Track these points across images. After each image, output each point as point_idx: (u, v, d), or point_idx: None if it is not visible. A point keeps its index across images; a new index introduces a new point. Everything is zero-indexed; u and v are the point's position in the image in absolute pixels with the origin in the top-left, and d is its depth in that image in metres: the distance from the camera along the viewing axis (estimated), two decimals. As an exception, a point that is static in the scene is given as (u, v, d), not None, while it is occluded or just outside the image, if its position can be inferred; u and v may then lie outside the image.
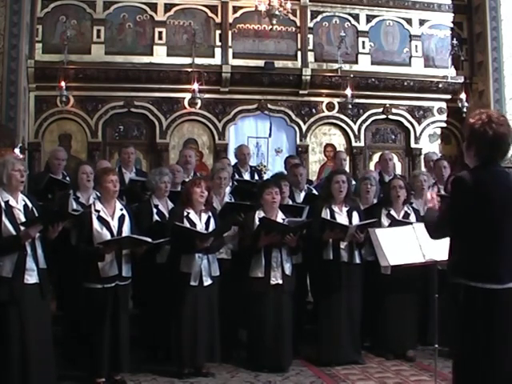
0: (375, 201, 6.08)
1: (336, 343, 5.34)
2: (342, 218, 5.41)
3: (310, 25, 9.25)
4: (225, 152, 8.94)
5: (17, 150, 7.18)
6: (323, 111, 9.34)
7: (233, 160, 7.57)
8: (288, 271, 5.24)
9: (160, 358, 5.37)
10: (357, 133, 9.41)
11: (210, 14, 9.03)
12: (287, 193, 5.83)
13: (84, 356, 4.81)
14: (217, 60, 8.95)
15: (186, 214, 5.06)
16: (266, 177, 7.64)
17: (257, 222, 5.24)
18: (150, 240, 4.66)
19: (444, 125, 9.67)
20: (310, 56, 9.20)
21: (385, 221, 5.58)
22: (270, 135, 9.12)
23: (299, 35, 9.16)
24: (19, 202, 4.32)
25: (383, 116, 9.51)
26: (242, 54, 9.04)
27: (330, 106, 9.34)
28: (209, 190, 5.16)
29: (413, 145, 9.55)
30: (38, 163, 8.38)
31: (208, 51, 8.97)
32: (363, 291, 5.45)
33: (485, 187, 2.85)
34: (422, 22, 9.58)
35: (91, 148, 8.76)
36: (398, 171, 8.77)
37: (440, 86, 9.42)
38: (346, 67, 9.12)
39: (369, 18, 9.45)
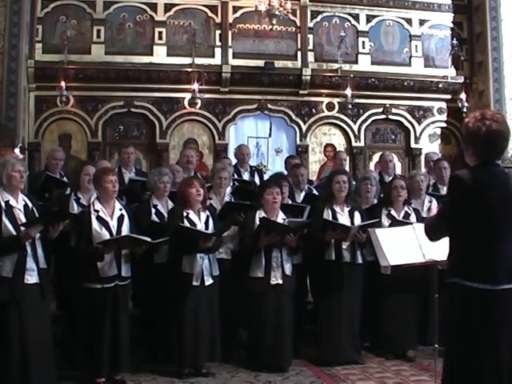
0: (375, 201, 6.08)
1: (336, 343, 5.34)
2: (343, 218, 5.41)
3: (310, 25, 9.25)
4: (225, 152, 8.93)
5: (17, 150, 7.18)
6: (323, 111, 9.34)
7: (233, 160, 7.57)
8: (288, 271, 5.24)
9: (160, 358, 5.36)
10: (357, 133, 9.41)
11: (210, 13, 9.04)
12: (287, 193, 5.83)
13: (84, 356, 4.81)
14: (217, 60, 8.95)
15: (185, 214, 5.06)
16: (266, 177, 7.63)
17: (257, 221, 5.24)
18: (149, 240, 4.66)
19: (444, 125, 9.67)
20: (310, 56, 9.20)
21: (385, 221, 5.57)
22: (269, 135, 9.12)
23: (299, 35, 9.16)
24: (19, 202, 4.32)
25: (383, 116, 9.51)
26: (242, 54, 9.04)
27: (330, 106, 9.34)
28: (203, 187, 5.16)
29: (413, 145, 9.55)
30: (38, 163, 8.37)
31: (208, 51, 8.97)
32: (363, 291, 5.45)
33: (482, 186, 2.83)
34: (421, 22, 9.59)
35: (91, 148, 8.76)
36: (398, 171, 8.76)
37: (440, 85, 9.42)
38: (346, 67, 9.12)
39: (369, 18, 9.45)
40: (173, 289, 5.01)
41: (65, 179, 6.30)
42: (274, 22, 7.94)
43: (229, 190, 6.05)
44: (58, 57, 8.43)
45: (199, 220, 5.09)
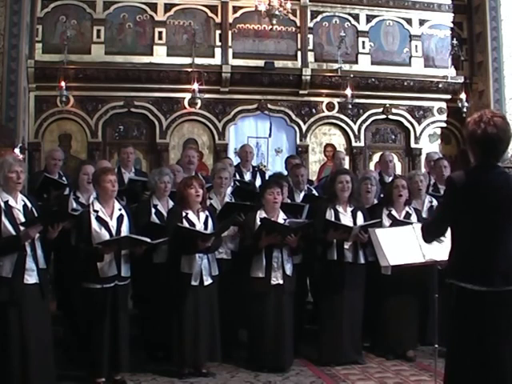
0: (375, 201, 6.08)
1: (336, 343, 5.34)
2: (346, 218, 5.40)
3: (310, 25, 9.25)
4: (225, 152, 8.94)
5: (17, 150, 7.19)
6: (323, 111, 9.34)
7: (234, 160, 7.57)
8: (289, 271, 5.24)
9: (160, 358, 5.36)
10: (357, 133, 9.41)
11: (210, 13, 9.04)
12: (286, 193, 5.82)
13: (84, 356, 4.81)
14: (217, 60, 8.95)
15: (184, 214, 5.06)
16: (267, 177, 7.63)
17: (258, 222, 5.23)
18: (149, 240, 4.66)
19: (444, 125, 9.67)
20: (310, 56, 9.20)
21: (386, 221, 5.56)
22: (269, 135, 9.13)
23: (299, 35, 9.16)
24: (19, 202, 4.31)
25: (383, 116, 9.51)
26: (242, 54, 9.04)
27: (330, 106, 9.34)
28: (203, 187, 5.16)
29: (413, 145, 9.56)
30: (38, 163, 8.38)
31: (208, 51, 8.97)
32: (365, 291, 5.45)
33: (478, 187, 2.82)
34: (422, 22, 9.59)
35: (91, 148, 8.77)
36: (398, 171, 8.77)
37: (440, 85, 9.43)
38: (346, 67, 9.12)
39: (369, 18, 9.45)
40: (172, 289, 5.01)
41: (64, 179, 6.29)
42: (274, 21, 7.93)
43: (229, 190, 6.05)
44: (58, 57, 8.43)
45: (198, 220, 5.08)
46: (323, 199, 5.85)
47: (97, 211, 4.69)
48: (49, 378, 4.29)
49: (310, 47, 9.22)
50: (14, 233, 4.19)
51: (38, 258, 4.28)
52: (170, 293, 5.02)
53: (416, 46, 9.52)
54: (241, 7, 9.06)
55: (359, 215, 5.44)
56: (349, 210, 5.46)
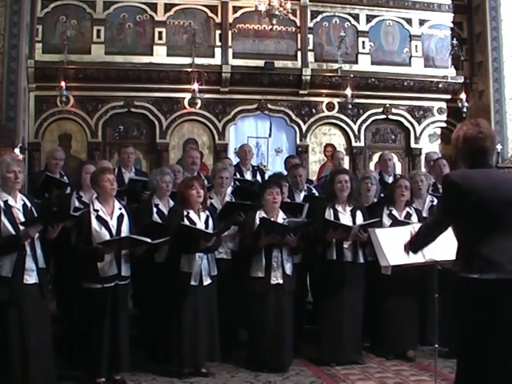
0: (375, 200, 6.08)
1: (336, 343, 5.33)
2: (345, 217, 5.40)
3: (310, 25, 9.26)
4: (225, 152, 8.95)
5: (17, 150, 7.20)
6: (323, 111, 9.34)
7: (234, 160, 7.57)
8: (288, 271, 5.24)
9: (160, 358, 5.36)
10: (357, 133, 9.41)
11: (210, 13, 9.04)
12: (286, 193, 5.82)
13: (84, 356, 4.81)
14: (217, 60, 8.96)
15: (185, 213, 5.06)
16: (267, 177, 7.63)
17: (257, 221, 5.23)
18: (149, 240, 4.66)
19: (444, 125, 9.67)
20: (310, 56, 9.20)
21: (386, 220, 5.56)
22: (270, 135, 9.13)
23: (299, 35, 9.17)
24: (18, 202, 4.31)
25: (383, 116, 9.52)
26: (242, 54, 9.04)
27: (330, 106, 9.34)
28: (203, 187, 5.16)
29: (413, 145, 9.56)
30: (38, 163, 8.38)
31: (208, 51, 8.98)
32: (365, 291, 5.45)
33: (471, 181, 2.89)
34: (422, 22, 9.59)
35: (91, 148, 8.77)
36: (398, 171, 8.77)
37: (440, 85, 9.43)
38: (346, 67, 9.12)
39: (369, 18, 9.46)
40: (171, 288, 5.01)
41: (65, 179, 6.30)
42: (274, 21, 7.94)
43: (229, 189, 6.05)
44: (58, 57, 8.44)
45: (199, 219, 5.09)
46: (322, 199, 5.85)
47: (97, 211, 4.69)
48: (49, 377, 4.29)
49: (310, 47, 9.22)
50: (13, 232, 4.18)
51: (37, 258, 4.27)
52: (169, 292, 5.02)
53: (416, 46, 9.52)
54: (241, 7, 9.06)
55: (358, 214, 5.44)
56: (348, 209, 5.46)
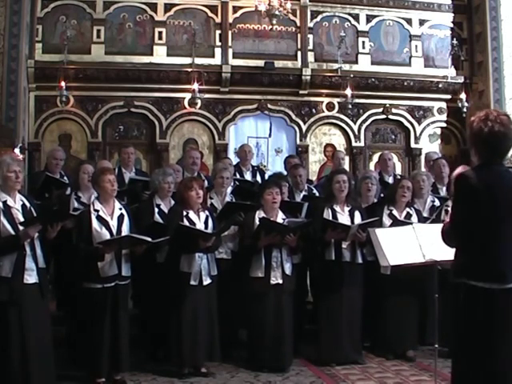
0: (375, 200, 6.08)
1: (336, 343, 5.34)
2: (343, 217, 5.41)
3: (310, 25, 9.25)
4: (225, 152, 8.95)
5: (17, 150, 7.19)
6: (323, 111, 9.34)
7: (234, 160, 7.57)
8: (288, 271, 5.24)
9: (160, 358, 5.36)
10: (357, 133, 9.41)
11: (210, 13, 9.04)
12: (286, 193, 5.83)
13: (84, 356, 4.81)
14: (217, 60, 8.95)
15: (185, 213, 5.06)
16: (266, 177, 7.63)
17: (257, 221, 5.23)
18: (149, 239, 4.66)
19: (444, 125, 9.67)
20: (310, 56, 9.20)
21: (386, 220, 5.57)
22: (269, 135, 9.13)
23: (299, 35, 9.16)
24: (17, 202, 4.31)
25: (383, 116, 9.51)
26: (242, 54, 9.04)
27: (330, 106, 9.34)
28: (203, 188, 5.17)
29: (413, 145, 9.55)
30: (38, 163, 8.38)
31: (208, 51, 8.97)
32: (364, 291, 5.45)
33: (486, 186, 2.81)
34: (422, 22, 9.59)
35: (91, 148, 8.77)
36: (398, 171, 8.77)
37: (440, 86, 9.42)
38: (346, 67, 9.12)
39: (369, 18, 9.45)
40: (171, 288, 5.01)
41: (65, 179, 6.31)
42: (274, 21, 7.93)
43: (229, 189, 6.05)
44: (58, 57, 8.43)
45: (199, 219, 5.09)
46: (321, 199, 5.85)
47: (97, 211, 4.69)
48: (49, 378, 4.29)
49: (310, 47, 9.22)
50: (13, 232, 4.18)
51: (37, 258, 4.27)
52: (169, 292, 5.02)
53: (416, 46, 9.52)
54: (241, 7, 9.06)
55: (357, 215, 5.45)
56: (346, 209, 5.46)
